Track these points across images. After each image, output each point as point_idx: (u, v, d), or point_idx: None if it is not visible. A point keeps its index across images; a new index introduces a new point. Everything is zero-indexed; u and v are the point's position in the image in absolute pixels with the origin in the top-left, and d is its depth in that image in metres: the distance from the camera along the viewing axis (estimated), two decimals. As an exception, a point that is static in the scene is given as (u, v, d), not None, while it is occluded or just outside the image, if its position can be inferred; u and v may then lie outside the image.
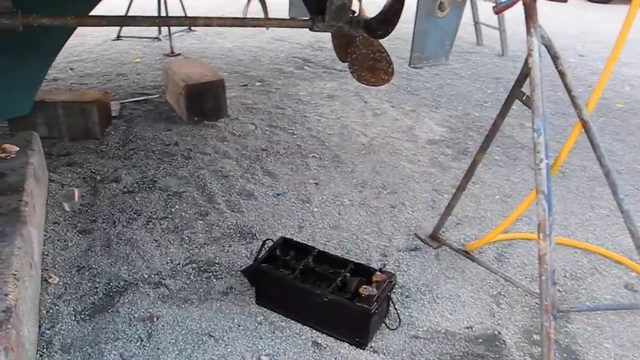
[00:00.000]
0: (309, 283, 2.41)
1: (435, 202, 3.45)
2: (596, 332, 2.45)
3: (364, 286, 2.30)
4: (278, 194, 3.48)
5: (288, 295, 2.42)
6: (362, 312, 2.21)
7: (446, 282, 2.75)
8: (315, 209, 3.33)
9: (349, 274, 2.42)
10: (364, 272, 2.44)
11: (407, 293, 2.66)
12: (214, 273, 2.75)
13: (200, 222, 3.17)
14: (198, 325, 2.42)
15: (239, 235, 3.06)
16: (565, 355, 2.32)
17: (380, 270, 2.42)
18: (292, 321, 2.44)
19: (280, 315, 2.47)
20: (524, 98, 2.33)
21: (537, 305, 2.60)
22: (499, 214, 3.33)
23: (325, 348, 2.32)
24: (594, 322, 2.51)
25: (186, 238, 3.02)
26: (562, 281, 2.77)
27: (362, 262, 2.63)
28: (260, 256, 2.53)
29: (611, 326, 2.48)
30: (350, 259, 2.54)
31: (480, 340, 2.40)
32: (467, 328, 2.46)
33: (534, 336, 2.42)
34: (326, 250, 2.72)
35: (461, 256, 2.92)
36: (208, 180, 3.61)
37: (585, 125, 2.30)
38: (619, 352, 2.34)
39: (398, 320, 2.39)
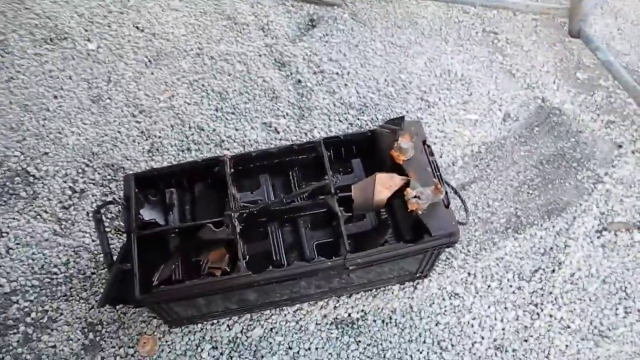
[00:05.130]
0: (286, 242, 1.09)
1: None
2: None
3: (412, 192, 1.01)
4: None
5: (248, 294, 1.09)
6: (435, 247, 1.04)
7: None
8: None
9: (341, 174, 1.14)
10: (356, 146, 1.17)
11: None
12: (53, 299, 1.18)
13: None
14: None
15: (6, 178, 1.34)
16: None
17: (398, 124, 1.09)
18: (270, 308, 1.19)
19: (234, 318, 1.18)
20: None
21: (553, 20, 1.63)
22: None
23: (364, 319, 1.19)
24: None
25: None
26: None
27: (338, 133, 1.36)
28: (114, 255, 1.00)
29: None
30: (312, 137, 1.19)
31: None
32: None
33: (578, 75, 1.54)
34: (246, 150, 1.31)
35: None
36: None
37: None
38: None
39: (464, 209, 1.19)
